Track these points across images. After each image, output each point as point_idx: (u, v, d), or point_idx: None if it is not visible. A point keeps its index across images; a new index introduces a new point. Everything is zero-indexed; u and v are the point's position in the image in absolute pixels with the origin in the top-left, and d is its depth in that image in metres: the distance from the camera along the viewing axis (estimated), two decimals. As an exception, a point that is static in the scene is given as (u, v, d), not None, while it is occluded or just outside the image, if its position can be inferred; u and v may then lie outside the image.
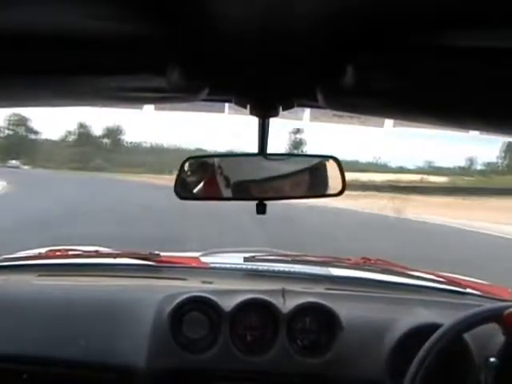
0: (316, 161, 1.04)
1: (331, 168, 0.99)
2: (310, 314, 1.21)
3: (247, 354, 1.18)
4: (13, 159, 32.17)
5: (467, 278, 1.54)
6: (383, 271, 1.46)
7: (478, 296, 1.36)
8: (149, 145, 40.34)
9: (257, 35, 0.58)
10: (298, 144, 34.97)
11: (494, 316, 0.96)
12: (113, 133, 39.84)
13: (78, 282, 1.36)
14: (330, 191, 1.01)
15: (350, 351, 1.17)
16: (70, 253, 1.50)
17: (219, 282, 1.34)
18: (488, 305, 1.03)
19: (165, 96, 0.72)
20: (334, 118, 1.07)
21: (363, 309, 1.25)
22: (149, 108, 1.04)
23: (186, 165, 1.00)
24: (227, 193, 1.00)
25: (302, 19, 0.53)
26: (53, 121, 62.37)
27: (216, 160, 1.03)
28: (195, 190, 1.01)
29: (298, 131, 34.03)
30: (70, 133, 39.88)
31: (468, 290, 1.38)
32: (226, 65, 0.70)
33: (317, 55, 0.65)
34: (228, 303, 1.19)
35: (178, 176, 0.98)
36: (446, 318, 1.03)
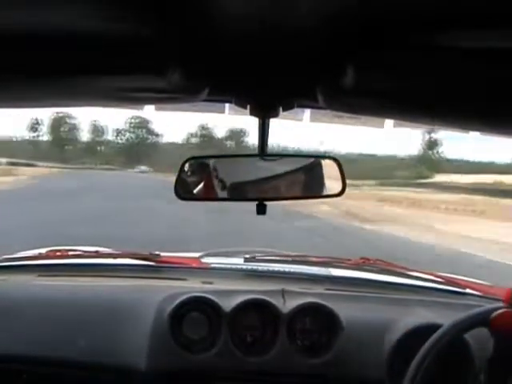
0: (316, 161, 1.05)
1: (331, 169, 0.99)
2: (309, 314, 1.21)
3: (247, 355, 1.18)
4: (139, 164, 30.50)
5: (466, 279, 1.54)
6: (383, 272, 1.47)
7: (478, 296, 1.36)
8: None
9: (257, 36, 0.58)
10: (432, 144, 32.74)
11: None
12: (236, 135, 38.41)
13: (78, 282, 1.36)
14: (331, 192, 1.01)
15: (349, 351, 1.17)
16: (70, 253, 1.51)
17: (219, 283, 1.35)
18: (488, 305, 1.03)
19: (165, 96, 0.72)
20: (335, 118, 1.07)
21: (363, 309, 1.25)
22: (149, 108, 1.04)
23: (186, 165, 1.00)
24: (227, 193, 1.00)
25: (302, 20, 0.53)
26: (173, 122, 62.06)
27: (216, 161, 1.03)
28: (195, 191, 1.01)
29: (432, 130, 29.27)
30: (191, 135, 38.66)
31: (468, 291, 1.38)
32: (226, 65, 0.70)
33: (317, 55, 0.65)
34: (228, 303, 1.20)
35: (178, 176, 0.98)
36: (445, 318, 1.03)
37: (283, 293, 1.24)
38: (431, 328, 0.99)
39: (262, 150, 0.93)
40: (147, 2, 0.50)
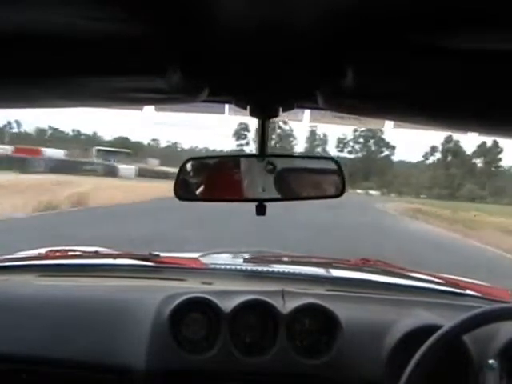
0: (316, 162, 1.05)
1: (331, 169, 0.99)
2: (309, 315, 1.20)
3: (247, 355, 1.18)
4: (367, 182, 24.78)
5: (467, 280, 1.54)
6: (383, 272, 1.46)
7: (478, 297, 1.36)
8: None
9: (257, 36, 0.58)
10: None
11: (493, 317, 0.96)
12: (489, 151, 32.57)
13: (78, 282, 1.36)
14: (330, 192, 1.01)
15: (349, 352, 1.17)
16: (70, 253, 1.51)
17: (219, 283, 1.35)
18: (488, 306, 1.03)
19: (165, 97, 0.72)
20: (334, 119, 1.08)
21: (363, 310, 1.25)
22: (149, 109, 1.04)
23: (187, 166, 1.00)
24: (227, 194, 1.00)
25: (302, 20, 0.53)
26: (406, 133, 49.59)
27: (216, 161, 1.03)
28: (195, 192, 1.01)
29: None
30: (432, 149, 32.07)
31: (467, 292, 1.38)
32: (226, 66, 0.70)
33: (317, 56, 0.65)
34: (228, 304, 1.19)
35: (178, 177, 0.98)
36: (445, 319, 1.03)
37: (283, 293, 1.24)
38: (431, 329, 0.99)
39: (262, 151, 0.93)
40: (147, 2, 0.50)
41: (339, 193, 0.99)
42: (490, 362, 1.02)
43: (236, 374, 1.20)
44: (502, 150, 34.06)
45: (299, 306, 1.19)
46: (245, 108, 0.84)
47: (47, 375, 1.21)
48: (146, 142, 60.78)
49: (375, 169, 29.55)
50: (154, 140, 60.63)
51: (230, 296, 1.23)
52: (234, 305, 1.19)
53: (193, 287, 1.31)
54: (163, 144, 61.81)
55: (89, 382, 1.23)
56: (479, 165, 34.26)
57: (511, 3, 0.43)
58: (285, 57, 0.66)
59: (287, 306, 1.20)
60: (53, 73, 0.60)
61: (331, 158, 1.00)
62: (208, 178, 1.01)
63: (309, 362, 1.18)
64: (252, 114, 0.85)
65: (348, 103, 0.70)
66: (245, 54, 0.65)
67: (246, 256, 1.51)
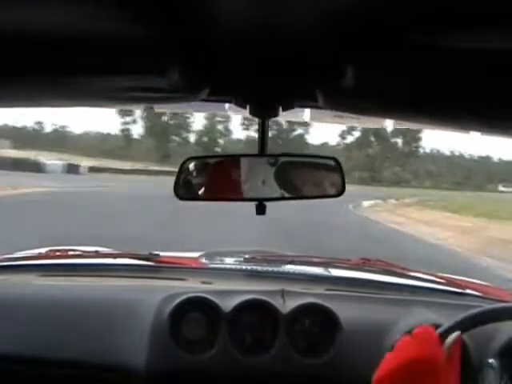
0: (316, 161, 1.05)
1: (331, 169, 0.99)
2: (309, 314, 1.20)
3: (246, 355, 1.18)
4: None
5: (467, 279, 1.54)
6: (383, 272, 1.47)
7: (478, 297, 1.36)
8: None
9: (257, 36, 0.58)
10: None
11: (493, 317, 0.96)
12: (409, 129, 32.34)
13: (78, 282, 1.36)
14: (330, 192, 1.01)
15: (349, 352, 1.17)
16: (70, 253, 1.51)
17: (219, 283, 1.35)
18: (488, 306, 1.03)
19: (165, 96, 0.72)
20: (335, 118, 1.08)
21: (363, 309, 1.24)
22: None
23: (186, 165, 1.00)
24: (227, 194, 1.00)
25: (302, 20, 0.53)
26: None
27: (216, 160, 1.03)
28: (195, 191, 1.01)
29: None
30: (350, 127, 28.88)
31: (467, 291, 1.38)
32: (225, 65, 0.70)
33: (317, 56, 0.65)
34: (227, 304, 1.19)
35: (178, 176, 0.98)
36: (445, 318, 1.03)
37: (283, 293, 1.24)
38: None
39: (262, 150, 0.93)
40: (147, 2, 0.50)
41: (339, 192, 0.99)
42: (490, 361, 1.02)
43: (236, 373, 1.20)
44: (421, 129, 32.60)
45: (299, 306, 1.19)
46: (245, 107, 0.84)
47: (47, 375, 1.21)
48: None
49: (286, 150, 27.87)
50: (38, 123, 52.00)
51: (230, 296, 1.23)
52: (234, 304, 1.19)
53: (193, 287, 1.31)
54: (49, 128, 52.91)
55: (88, 381, 1.23)
56: (399, 145, 30.35)
57: (511, 3, 0.43)
58: (285, 56, 0.66)
59: (287, 305, 1.20)
60: (53, 72, 0.60)
61: (331, 158, 1.00)
62: (208, 178, 1.01)
63: (309, 361, 1.18)
64: (252, 113, 0.85)
65: (348, 102, 0.70)
66: (245, 54, 0.65)
67: (246, 256, 1.51)
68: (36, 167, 27.52)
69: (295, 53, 0.65)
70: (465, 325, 0.92)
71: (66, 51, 0.57)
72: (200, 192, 1.01)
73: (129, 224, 8.37)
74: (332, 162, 0.99)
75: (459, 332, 0.89)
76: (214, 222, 8.58)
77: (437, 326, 0.95)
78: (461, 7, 0.46)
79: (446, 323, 0.92)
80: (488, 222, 12.99)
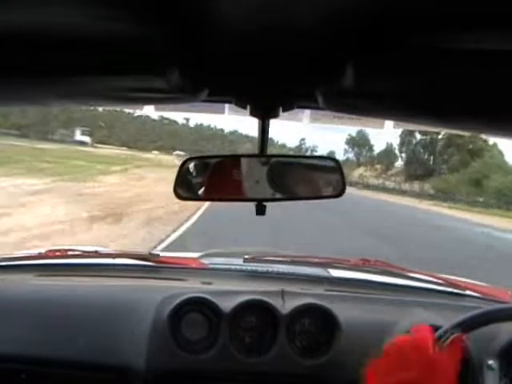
0: (316, 162, 1.04)
1: (331, 169, 0.99)
2: (309, 315, 1.20)
3: (246, 355, 1.18)
4: None
5: (466, 280, 1.54)
6: (382, 273, 1.46)
7: (478, 298, 1.36)
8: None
9: (257, 36, 0.58)
10: None
11: (493, 318, 0.96)
12: None
13: (77, 282, 1.35)
14: (330, 192, 1.01)
15: (348, 353, 1.16)
16: (69, 253, 1.50)
17: (218, 283, 1.34)
18: (488, 307, 1.03)
19: (165, 97, 0.72)
20: (335, 119, 1.07)
21: (362, 310, 1.24)
22: (149, 109, 1.04)
23: (186, 165, 1.00)
24: (227, 194, 1.00)
25: (301, 20, 0.53)
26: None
27: (216, 161, 1.03)
28: (195, 191, 1.01)
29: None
30: None
31: (467, 292, 1.38)
32: (226, 66, 0.70)
33: (317, 56, 0.65)
34: (227, 304, 1.19)
35: (178, 176, 0.98)
36: (445, 319, 1.03)
37: (283, 293, 1.24)
38: None
39: (262, 151, 0.93)
40: (147, 2, 0.49)
41: (339, 192, 0.99)
42: (490, 362, 1.02)
43: (236, 374, 1.20)
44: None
45: (299, 306, 1.19)
46: (245, 108, 0.84)
47: (46, 375, 1.21)
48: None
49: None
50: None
51: (230, 296, 1.22)
52: (234, 305, 1.19)
53: (192, 287, 1.30)
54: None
55: (88, 381, 1.23)
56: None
57: (511, 3, 0.43)
58: (285, 57, 0.66)
59: (287, 306, 1.20)
60: (52, 72, 0.60)
61: (331, 158, 1.00)
62: (208, 178, 1.00)
63: (308, 362, 1.18)
64: (252, 113, 0.85)
65: (348, 103, 0.70)
66: (245, 54, 0.65)
67: (246, 256, 1.51)
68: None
69: (295, 53, 0.65)
70: (465, 326, 0.92)
71: (65, 51, 0.57)
72: (200, 192, 1.01)
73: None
74: (332, 162, 0.99)
75: (459, 333, 0.89)
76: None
77: (436, 327, 0.95)
78: (462, 7, 0.45)
79: (446, 325, 0.91)
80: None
